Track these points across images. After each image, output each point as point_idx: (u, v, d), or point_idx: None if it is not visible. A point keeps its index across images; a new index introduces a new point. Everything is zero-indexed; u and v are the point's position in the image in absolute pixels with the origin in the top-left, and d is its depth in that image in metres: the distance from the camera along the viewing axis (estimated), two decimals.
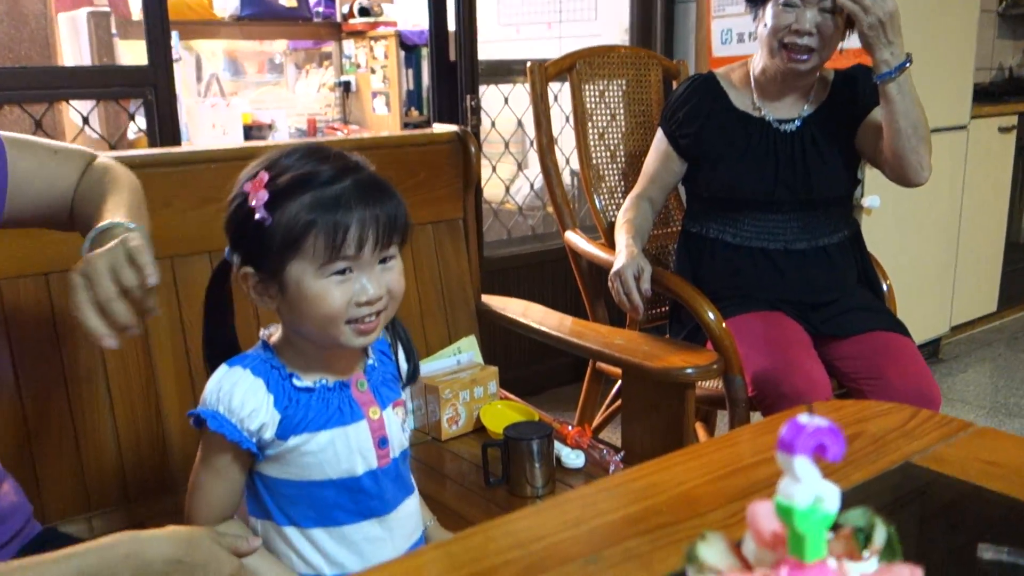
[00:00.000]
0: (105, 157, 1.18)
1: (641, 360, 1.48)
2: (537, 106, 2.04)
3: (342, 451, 1.01)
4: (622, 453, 1.54)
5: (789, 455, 0.45)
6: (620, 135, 2.18)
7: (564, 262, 2.26)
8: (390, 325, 1.08)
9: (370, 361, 1.07)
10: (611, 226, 2.09)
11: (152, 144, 2.23)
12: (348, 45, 4.46)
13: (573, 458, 1.54)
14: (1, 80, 2.10)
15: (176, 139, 2.25)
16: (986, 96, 3.50)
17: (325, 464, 1.01)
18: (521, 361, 2.93)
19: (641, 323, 2.09)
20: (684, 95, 1.89)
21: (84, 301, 0.88)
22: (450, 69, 2.75)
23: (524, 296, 1.99)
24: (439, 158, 1.78)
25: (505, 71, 2.98)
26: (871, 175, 2.77)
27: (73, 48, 3.38)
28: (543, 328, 1.72)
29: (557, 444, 1.55)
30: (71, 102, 2.38)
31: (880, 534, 0.49)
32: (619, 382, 2.00)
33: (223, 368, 0.99)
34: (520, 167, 3.36)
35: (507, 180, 3.28)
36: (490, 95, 3.00)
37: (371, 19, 4.27)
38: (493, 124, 3.01)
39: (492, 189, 3.16)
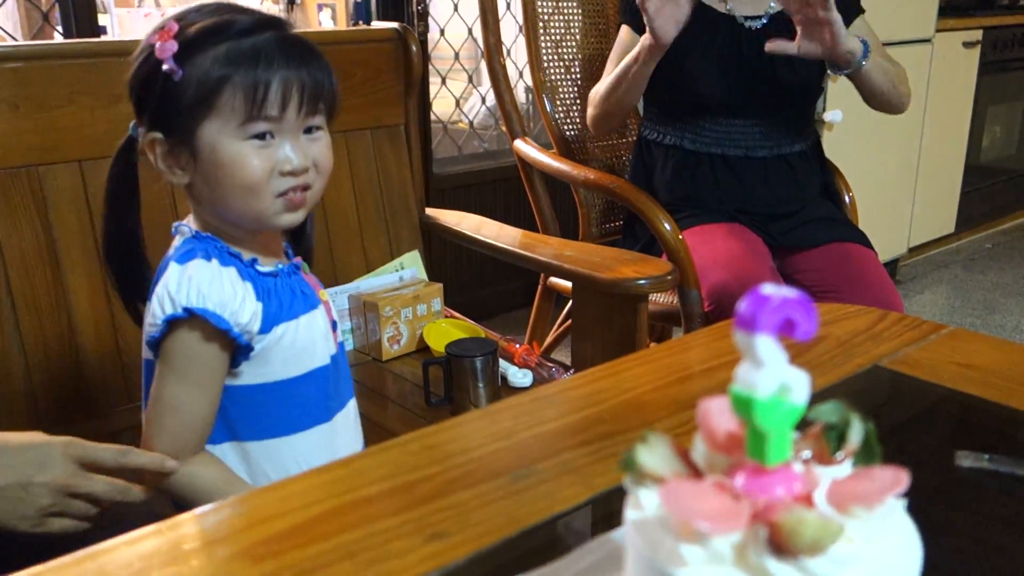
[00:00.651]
0: None
1: (591, 271, 1.39)
2: (484, 2, 1.90)
3: (317, 338, 0.94)
4: (572, 371, 1.46)
5: (750, 333, 0.36)
6: (575, 45, 2.05)
7: (516, 181, 2.14)
8: None
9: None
10: (564, 137, 1.98)
11: None
12: None
13: (520, 377, 1.47)
14: None
15: None
16: (952, 9, 3.41)
17: (303, 354, 0.92)
18: (471, 284, 2.84)
19: (593, 237, 2.00)
20: None
21: None
22: None
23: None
24: (377, 57, 1.65)
25: None
26: (833, 88, 2.68)
27: None
28: (487, 240, 1.62)
29: (504, 363, 1.48)
30: None
31: (856, 432, 0.41)
32: (571, 300, 1.91)
33: (188, 264, 0.87)
34: (472, 82, 3.21)
35: (459, 99, 3.13)
36: (439, 3, 2.84)
37: None
38: (442, 32, 2.85)
39: (442, 106, 3.02)
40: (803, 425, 0.39)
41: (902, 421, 0.69)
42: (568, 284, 1.75)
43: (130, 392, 1.38)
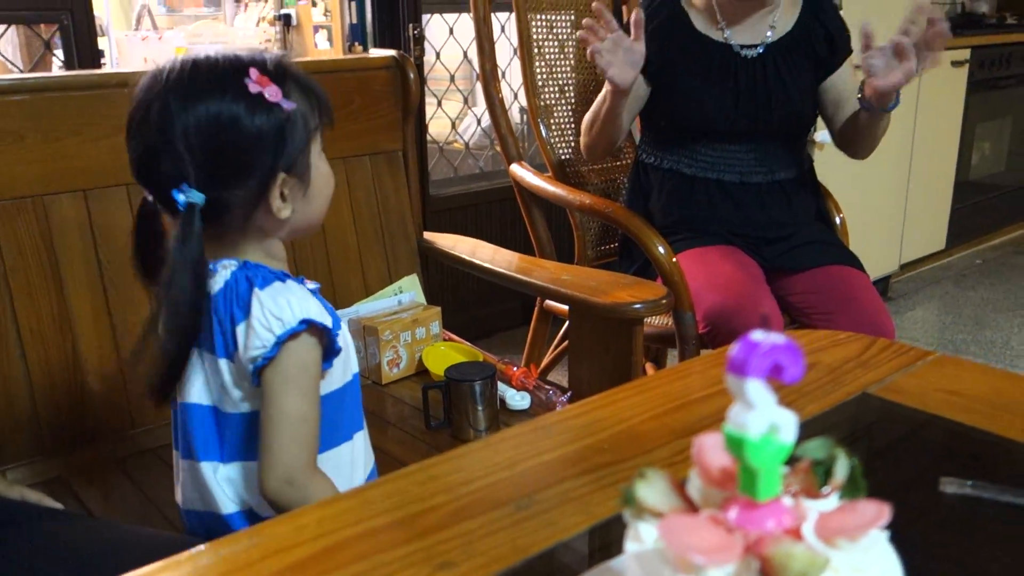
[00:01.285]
0: None
1: (587, 295, 1.42)
2: (480, 29, 1.93)
3: (350, 343, 0.98)
4: (569, 393, 1.48)
5: (740, 377, 0.39)
6: (570, 68, 2.08)
7: (512, 202, 2.17)
8: None
9: None
10: (560, 161, 2.01)
11: None
12: None
13: (518, 400, 1.48)
14: None
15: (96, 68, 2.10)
16: None
17: (350, 359, 0.97)
18: (468, 304, 2.86)
19: (589, 259, 2.03)
20: (645, 16, 1.79)
21: None
22: None
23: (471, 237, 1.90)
24: (376, 85, 1.68)
25: None
26: None
27: None
28: (485, 264, 1.65)
29: (502, 386, 1.49)
30: None
31: (842, 468, 0.43)
32: (568, 322, 1.94)
33: (271, 286, 0.87)
34: (467, 103, 3.24)
35: (455, 119, 3.17)
36: (435, 25, 2.87)
37: None
38: (438, 56, 2.89)
39: (438, 127, 3.05)
40: (793, 460, 0.42)
41: (888, 448, 0.71)
42: (564, 307, 1.77)
43: (134, 418, 1.39)
